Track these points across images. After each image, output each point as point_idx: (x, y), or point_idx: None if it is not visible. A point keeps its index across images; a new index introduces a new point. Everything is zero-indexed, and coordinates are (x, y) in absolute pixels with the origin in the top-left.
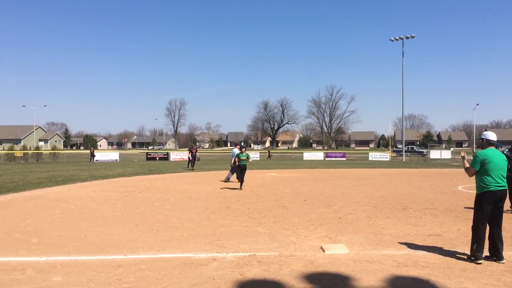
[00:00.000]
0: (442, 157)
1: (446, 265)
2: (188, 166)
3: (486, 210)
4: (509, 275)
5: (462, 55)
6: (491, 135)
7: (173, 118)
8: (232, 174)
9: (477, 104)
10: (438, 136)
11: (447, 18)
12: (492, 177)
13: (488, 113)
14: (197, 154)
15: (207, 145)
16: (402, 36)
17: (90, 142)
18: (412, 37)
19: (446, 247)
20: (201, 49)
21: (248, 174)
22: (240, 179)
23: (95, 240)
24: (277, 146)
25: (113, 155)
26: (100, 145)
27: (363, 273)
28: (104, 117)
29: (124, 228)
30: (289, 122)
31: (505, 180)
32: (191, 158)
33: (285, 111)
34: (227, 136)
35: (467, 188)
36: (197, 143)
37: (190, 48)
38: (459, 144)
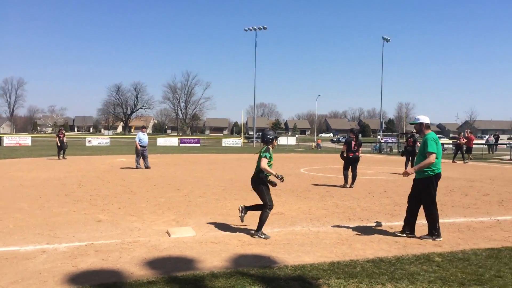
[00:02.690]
0: (288, 143)
1: (286, 241)
2: (59, 157)
3: (435, 190)
4: (340, 247)
5: (308, 49)
6: (427, 119)
7: (8, 99)
8: (139, 159)
9: (319, 95)
10: (286, 124)
11: (297, 11)
12: (438, 159)
13: (328, 104)
14: (65, 139)
15: (50, 130)
16: (255, 27)
17: None
18: (264, 28)
19: (287, 224)
20: (43, 25)
21: (95, 159)
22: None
23: None
24: (129, 131)
25: None
26: None
27: (208, 254)
28: None
29: None
30: (143, 107)
31: None
32: (59, 144)
33: (139, 96)
34: (73, 120)
35: (308, 170)
36: (38, 128)
37: (29, 22)
38: (303, 131)
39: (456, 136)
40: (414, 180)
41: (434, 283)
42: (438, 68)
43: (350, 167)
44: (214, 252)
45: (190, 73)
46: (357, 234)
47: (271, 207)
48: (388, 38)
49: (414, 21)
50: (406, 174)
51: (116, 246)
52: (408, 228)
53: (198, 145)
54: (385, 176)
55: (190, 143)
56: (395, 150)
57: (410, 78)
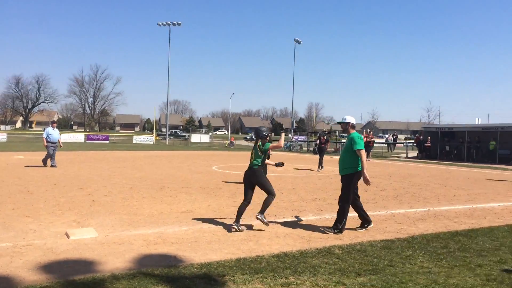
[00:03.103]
0: (202, 141)
1: (193, 240)
2: None
3: (354, 187)
4: (247, 243)
5: (223, 48)
6: (353, 119)
7: None
8: (48, 156)
9: (233, 94)
10: (200, 121)
11: (212, 9)
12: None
13: (242, 102)
14: None
15: None
16: (169, 22)
17: None
18: (179, 24)
19: (196, 223)
20: None
21: None
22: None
23: None
24: (30, 127)
25: None
26: None
27: (110, 255)
28: None
29: None
30: (46, 101)
31: None
32: None
33: (41, 89)
34: None
35: (220, 168)
36: None
37: None
38: (217, 128)
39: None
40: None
41: (333, 275)
42: (345, 71)
43: None
44: (117, 253)
45: (99, 66)
46: (265, 230)
47: (275, 193)
48: (300, 40)
49: (324, 23)
50: (367, 181)
51: (7, 250)
52: (364, 221)
53: (107, 142)
54: (294, 173)
55: (98, 139)
56: (305, 148)
57: (320, 79)
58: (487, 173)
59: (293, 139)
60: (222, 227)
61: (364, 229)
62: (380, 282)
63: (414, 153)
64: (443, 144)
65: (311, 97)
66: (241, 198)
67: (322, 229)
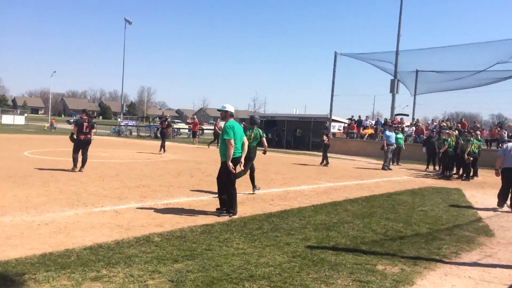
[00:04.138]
0: (16, 123)
1: None
2: None
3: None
4: (56, 236)
5: (42, 17)
6: (232, 108)
7: None
8: None
9: (54, 72)
10: (14, 101)
11: None
12: (237, 145)
13: (65, 82)
14: None
15: None
16: None
17: None
18: None
19: None
20: None
21: None
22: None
23: None
24: None
25: None
26: None
27: None
28: None
29: None
30: None
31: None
32: None
33: None
34: None
35: (34, 153)
36: None
37: None
38: (35, 110)
39: (190, 122)
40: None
41: (150, 263)
42: (178, 56)
43: (81, 150)
44: None
45: None
46: (78, 221)
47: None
48: (131, 20)
49: (157, 4)
50: (231, 171)
51: None
52: (222, 204)
53: None
54: (120, 159)
55: None
56: (135, 133)
57: (153, 63)
58: (301, 159)
59: (123, 124)
60: (27, 219)
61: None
62: (196, 266)
63: None
64: (266, 132)
65: (143, 81)
66: (55, 186)
67: (217, 213)
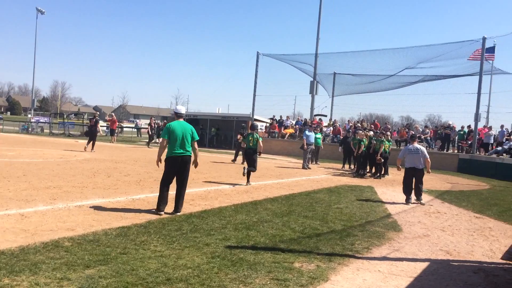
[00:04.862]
0: None
1: None
2: None
3: (170, 171)
4: None
5: None
6: (182, 109)
7: None
8: None
9: None
10: None
11: None
12: (175, 145)
13: None
14: None
15: None
16: None
17: None
18: None
19: None
20: None
21: None
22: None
23: None
24: None
25: None
26: None
27: None
28: None
29: None
30: None
31: (186, 147)
32: None
33: None
34: None
35: None
36: None
37: None
38: None
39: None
40: None
41: (58, 270)
42: (95, 50)
43: None
44: None
45: None
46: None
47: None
48: (43, 10)
49: None
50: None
51: None
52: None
53: None
54: (28, 159)
55: None
56: (47, 131)
57: (68, 56)
58: (223, 157)
59: (33, 120)
60: None
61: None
62: (110, 272)
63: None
64: None
65: (57, 75)
66: None
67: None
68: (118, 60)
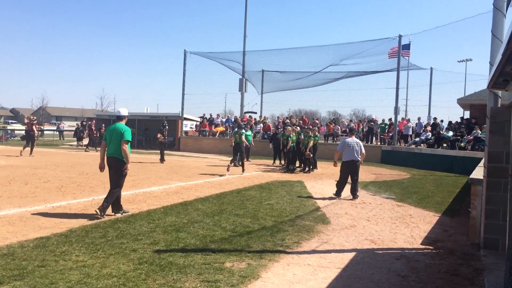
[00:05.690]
0: None
1: None
2: None
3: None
4: None
5: None
6: (124, 112)
7: None
8: None
9: None
10: None
11: None
12: (108, 146)
13: None
14: None
15: None
16: None
17: None
18: None
19: None
20: None
21: None
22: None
23: None
24: None
25: None
26: None
27: None
28: None
29: None
30: None
31: (115, 149)
32: None
33: None
34: None
35: None
36: None
37: None
38: None
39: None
40: None
41: None
42: (11, 48)
43: None
44: None
45: None
46: None
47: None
48: None
49: None
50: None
51: None
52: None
53: None
54: None
55: None
56: None
57: None
58: (153, 158)
59: None
60: None
61: (120, 213)
62: (26, 287)
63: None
64: None
65: None
66: None
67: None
68: (36, 59)
